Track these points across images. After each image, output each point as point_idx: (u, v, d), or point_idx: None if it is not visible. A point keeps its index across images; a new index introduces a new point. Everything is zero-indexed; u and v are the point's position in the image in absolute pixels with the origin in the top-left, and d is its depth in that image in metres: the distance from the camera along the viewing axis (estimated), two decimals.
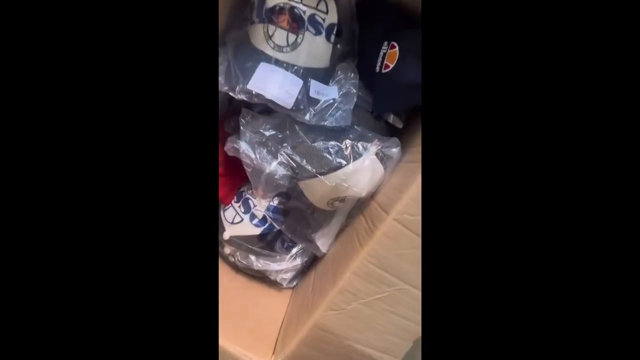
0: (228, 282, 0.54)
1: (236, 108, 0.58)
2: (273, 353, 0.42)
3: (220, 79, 0.48)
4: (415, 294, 0.40)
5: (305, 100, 0.48)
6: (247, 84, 0.45)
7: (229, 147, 0.50)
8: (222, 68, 0.49)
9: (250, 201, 0.54)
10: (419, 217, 0.38)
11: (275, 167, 0.49)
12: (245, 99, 0.46)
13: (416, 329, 0.42)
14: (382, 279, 0.40)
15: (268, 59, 0.47)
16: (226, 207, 0.55)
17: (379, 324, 0.42)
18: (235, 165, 0.54)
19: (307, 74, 0.48)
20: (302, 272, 0.58)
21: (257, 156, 0.49)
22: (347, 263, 0.42)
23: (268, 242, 0.54)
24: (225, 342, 0.40)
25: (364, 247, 0.40)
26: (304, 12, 0.45)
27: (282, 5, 0.45)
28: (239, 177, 0.56)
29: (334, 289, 0.41)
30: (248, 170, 0.49)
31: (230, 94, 0.46)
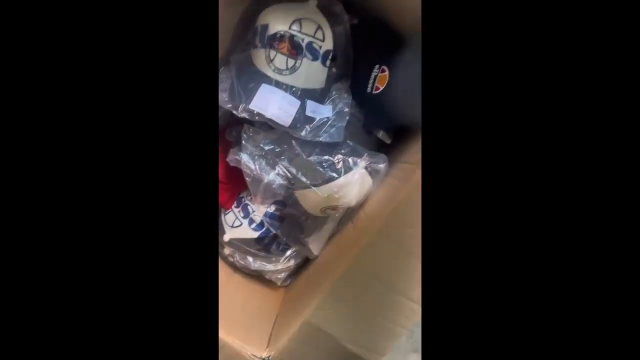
0: (227, 281, 0.59)
1: (237, 119, 0.63)
2: (267, 346, 0.47)
3: (224, 95, 0.53)
4: (396, 298, 0.45)
5: (302, 118, 0.53)
6: (249, 103, 0.50)
7: (231, 158, 0.54)
8: (225, 86, 0.53)
9: (249, 207, 0.59)
10: (402, 230, 0.43)
11: (273, 177, 0.54)
12: (247, 117, 0.51)
13: (399, 330, 0.47)
14: (366, 284, 0.45)
15: (269, 81, 0.51)
16: (227, 212, 0.60)
17: (363, 324, 0.47)
18: (236, 173, 0.59)
19: (304, 94, 0.53)
20: (295, 273, 0.63)
21: (257, 167, 0.53)
22: (335, 267, 0.47)
23: (265, 244, 0.59)
24: (224, 334, 0.45)
25: (351, 254, 0.46)
26: (302, 40, 0.50)
27: (282, 33, 0.49)
28: (239, 184, 0.60)
29: (324, 291, 0.46)
30: (248, 179, 0.54)
31: (234, 112, 0.51)
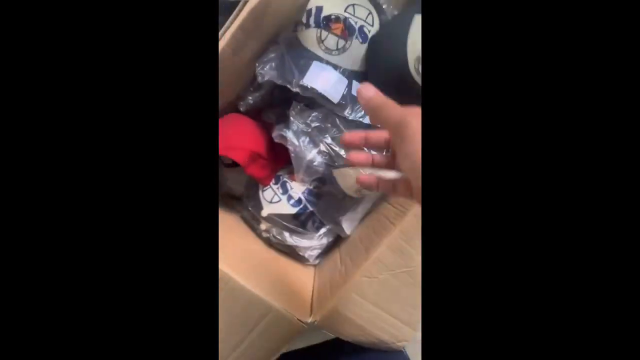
0: (265, 254, 0.60)
1: (272, 102, 0.65)
2: (311, 314, 0.49)
3: (272, 73, 0.55)
4: None
5: (348, 97, 0.55)
6: (302, 79, 0.52)
7: (276, 134, 0.56)
8: (274, 64, 0.56)
9: (287, 184, 0.61)
10: None
11: (315, 154, 0.56)
12: (299, 91, 0.53)
13: None
14: (409, 255, 0.47)
15: (319, 59, 0.54)
16: (265, 188, 0.62)
17: (403, 296, 0.49)
18: (276, 151, 0.61)
19: (351, 75, 0.55)
20: (325, 252, 0.65)
21: (301, 144, 0.55)
22: (379, 240, 0.49)
23: (301, 221, 0.60)
24: (271, 300, 0.47)
25: (397, 226, 0.48)
26: (355, 22, 0.52)
27: (337, 15, 0.52)
28: (278, 162, 0.62)
29: (369, 260, 0.48)
30: (292, 155, 0.56)
31: (288, 86, 0.53)
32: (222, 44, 0.49)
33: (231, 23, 0.50)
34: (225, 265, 0.46)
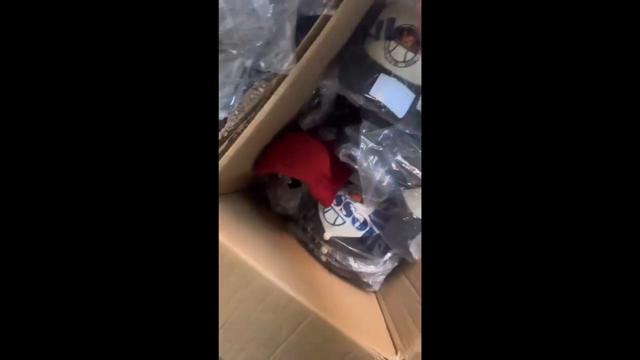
0: (328, 281, 0.56)
1: (330, 121, 0.62)
2: (396, 352, 0.44)
3: (337, 84, 0.52)
4: None
5: (413, 112, 0.52)
6: (368, 91, 0.50)
7: (344, 153, 0.53)
8: (338, 76, 0.53)
9: (351, 205, 0.57)
10: None
11: (384, 174, 0.52)
12: (362, 104, 0.51)
13: None
14: None
15: (387, 72, 0.51)
16: (326, 210, 0.58)
17: None
18: (337, 170, 0.57)
19: (417, 90, 0.52)
20: (387, 277, 0.61)
21: (371, 164, 0.52)
22: None
23: (367, 245, 0.56)
24: (353, 335, 0.42)
25: None
26: None
27: (410, 27, 0.49)
28: (340, 181, 0.59)
29: None
30: (361, 175, 0.52)
31: (352, 97, 0.51)
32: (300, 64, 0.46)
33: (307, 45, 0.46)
34: (301, 296, 0.42)
